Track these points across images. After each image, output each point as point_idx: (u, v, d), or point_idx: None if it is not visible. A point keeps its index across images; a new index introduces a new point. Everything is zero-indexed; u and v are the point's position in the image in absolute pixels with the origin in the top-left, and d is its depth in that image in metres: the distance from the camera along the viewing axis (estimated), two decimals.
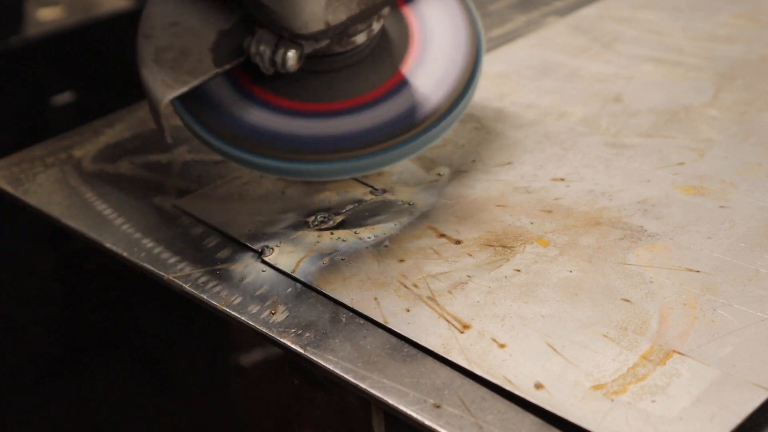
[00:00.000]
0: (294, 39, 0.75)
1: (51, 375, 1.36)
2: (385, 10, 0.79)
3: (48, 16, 1.35)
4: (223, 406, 1.37)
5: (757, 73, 0.94)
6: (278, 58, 0.76)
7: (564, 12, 1.08)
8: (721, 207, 0.76)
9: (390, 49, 0.82)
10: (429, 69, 0.80)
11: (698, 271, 0.70)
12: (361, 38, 0.79)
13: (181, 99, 0.78)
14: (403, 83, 0.80)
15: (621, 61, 0.97)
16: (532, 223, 0.76)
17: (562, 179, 0.81)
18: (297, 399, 0.71)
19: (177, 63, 0.76)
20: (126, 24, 1.36)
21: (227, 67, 0.77)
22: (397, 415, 0.62)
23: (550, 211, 0.77)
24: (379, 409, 0.66)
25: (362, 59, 0.80)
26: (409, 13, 0.84)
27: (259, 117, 0.78)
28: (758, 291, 0.68)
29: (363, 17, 0.76)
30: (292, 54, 0.75)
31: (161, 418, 1.38)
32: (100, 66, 1.36)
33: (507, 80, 0.95)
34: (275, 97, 0.79)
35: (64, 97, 1.32)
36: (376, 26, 0.80)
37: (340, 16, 0.74)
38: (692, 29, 1.02)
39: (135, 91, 0.83)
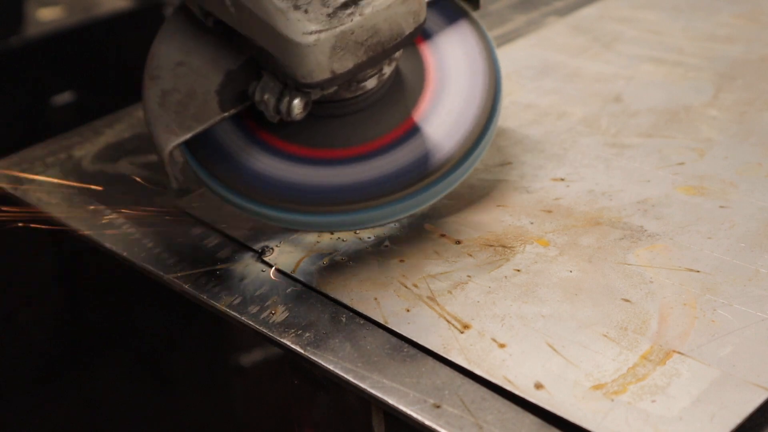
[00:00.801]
0: (299, 87, 0.72)
1: (51, 375, 1.36)
2: (397, 54, 0.75)
3: (48, 16, 1.35)
4: (223, 406, 1.37)
5: (757, 73, 0.94)
6: (283, 107, 0.73)
7: (564, 12, 1.07)
8: (721, 207, 0.76)
9: (404, 91, 0.78)
10: (443, 113, 0.77)
11: (698, 271, 0.70)
12: (371, 83, 0.76)
13: (187, 143, 0.75)
14: (413, 130, 0.76)
15: (621, 61, 0.97)
16: (532, 223, 0.76)
17: (562, 179, 0.81)
18: (297, 399, 0.71)
19: (182, 106, 0.73)
20: (126, 24, 1.36)
21: (233, 111, 0.74)
22: (397, 415, 0.62)
23: (550, 211, 0.77)
24: (379, 409, 0.66)
25: (374, 103, 0.77)
26: (426, 50, 0.81)
27: (263, 163, 0.75)
28: (758, 291, 0.68)
29: (371, 63, 0.72)
30: (297, 102, 0.72)
31: (161, 418, 1.38)
32: (100, 66, 1.36)
33: (507, 80, 0.95)
34: (280, 141, 0.76)
35: (64, 97, 1.32)
36: (387, 70, 0.76)
37: (346, 64, 0.70)
38: (692, 29, 1.02)
39: (135, 92, 0.83)
